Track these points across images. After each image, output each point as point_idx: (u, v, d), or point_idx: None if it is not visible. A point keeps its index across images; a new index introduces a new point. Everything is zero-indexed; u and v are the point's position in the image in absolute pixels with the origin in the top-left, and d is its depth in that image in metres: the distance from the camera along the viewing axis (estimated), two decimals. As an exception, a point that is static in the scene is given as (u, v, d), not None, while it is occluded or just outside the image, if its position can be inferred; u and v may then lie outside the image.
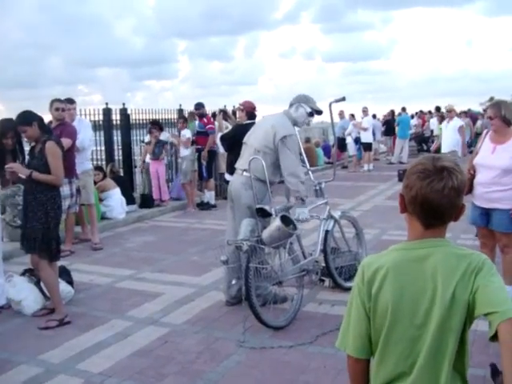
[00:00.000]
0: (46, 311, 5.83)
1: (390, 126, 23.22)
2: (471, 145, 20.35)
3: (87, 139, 8.81)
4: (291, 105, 5.96)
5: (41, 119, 5.70)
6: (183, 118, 12.79)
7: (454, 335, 1.83)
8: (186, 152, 12.21)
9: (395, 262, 1.93)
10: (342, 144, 20.12)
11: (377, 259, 1.99)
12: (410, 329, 1.88)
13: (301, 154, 6.20)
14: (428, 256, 1.89)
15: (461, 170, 1.88)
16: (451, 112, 13.31)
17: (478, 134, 18.54)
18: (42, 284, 5.88)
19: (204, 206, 12.43)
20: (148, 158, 12.56)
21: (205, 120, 12.60)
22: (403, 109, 23.20)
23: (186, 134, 12.29)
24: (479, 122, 24.18)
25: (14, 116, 5.91)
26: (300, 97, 5.98)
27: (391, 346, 1.91)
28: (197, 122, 12.87)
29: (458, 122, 12.91)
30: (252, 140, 5.86)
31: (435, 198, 1.84)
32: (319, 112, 6.10)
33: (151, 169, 12.35)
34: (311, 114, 6.02)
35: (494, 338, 1.73)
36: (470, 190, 5.52)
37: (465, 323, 1.85)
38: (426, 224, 1.91)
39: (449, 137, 12.68)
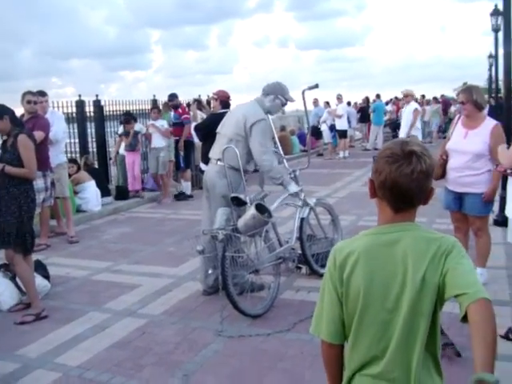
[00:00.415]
0: (23, 306, 5.78)
1: (364, 112, 23.35)
2: (445, 130, 20.53)
3: (60, 132, 8.73)
4: (267, 94, 5.92)
5: (12, 112, 5.65)
6: (157, 108, 12.70)
7: (425, 318, 1.85)
8: (163, 142, 12.13)
9: (366, 247, 1.94)
10: (317, 132, 20.16)
11: (348, 244, 2.00)
12: (381, 313, 1.90)
13: (275, 143, 6.21)
14: (398, 240, 1.90)
15: (429, 154, 1.90)
16: (407, 97, 13.43)
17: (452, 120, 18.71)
18: (17, 279, 5.83)
19: (181, 196, 12.40)
20: (122, 150, 12.47)
21: (179, 110, 12.54)
22: (378, 96, 23.30)
23: (164, 124, 12.21)
24: (453, 108, 24.42)
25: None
26: (276, 88, 5.92)
27: (364, 330, 1.93)
28: (172, 113, 12.81)
29: (413, 105, 13.04)
30: (225, 129, 5.86)
31: (404, 182, 1.85)
32: (292, 101, 6.13)
33: (128, 160, 12.26)
34: (285, 104, 6.05)
35: (465, 319, 1.75)
36: (443, 174, 5.57)
37: (435, 306, 1.87)
38: (395, 208, 1.92)
39: (406, 121, 12.85)
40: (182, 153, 12.58)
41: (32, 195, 5.61)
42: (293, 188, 5.95)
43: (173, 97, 12.83)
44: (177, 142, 12.49)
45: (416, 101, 16.31)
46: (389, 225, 1.94)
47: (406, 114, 12.89)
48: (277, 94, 5.90)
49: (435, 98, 26.23)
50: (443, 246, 1.87)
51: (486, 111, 5.72)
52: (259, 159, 5.66)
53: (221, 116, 6.41)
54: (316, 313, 2.06)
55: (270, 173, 5.73)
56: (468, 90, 5.51)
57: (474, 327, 1.70)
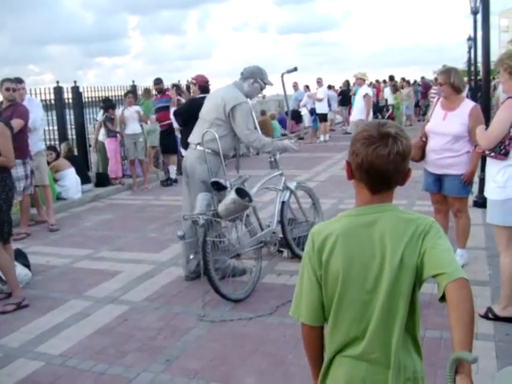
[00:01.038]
0: (3, 295, 5.74)
1: (345, 96, 23.34)
2: (425, 113, 20.61)
3: (38, 119, 8.65)
4: (245, 78, 5.91)
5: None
6: (133, 93, 12.56)
7: (404, 299, 1.86)
8: (140, 128, 12.03)
9: (344, 229, 1.94)
10: (297, 115, 20.15)
11: (326, 226, 2.00)
12: (361, 294, 1.90)
13: (255, 127, 6.20)
14: (376, 221, 1.90)
15: (405, 135, 1.89)
16: (359, 80, 13.29)
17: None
18: (-3, 268, 5.78)
19: (168, 181, 12.33)
20: (101, 136, 12.31)
21: (169, 94, 12.44)
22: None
23: (141, 110, 12.10)
24: (433, 90, 24.49)
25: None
26: (255, 71, 5.93)
27: (343, 311, 1.93)
28: (152, 99, 12.70)
29: (364, 90, 12.96)
30: (204, 114, 5.84)
31: (381, 163, 1.84)
32: (271, 85, 6.13)
33: (111, 146, 12.05)
34: (263, 88, 6.06)
35: (443, 299, 1.76)
36: (423, 156, 5.59)
37: (414, 286, 1.88)
38: (372, 190, 1.91)
39: (357, 105, 12.81)
40: (179, 135, 12.46)
41: (10, 184, 5.55)
42: (290, 144, 6.21)
43: (159, 81, 12.77)
44: (167, 126, 12.30)
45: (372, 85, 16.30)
46: (366, 206, 1.94)
47: (358, 98, 12.83)
48: (255, 77, 5.90)
49: (407, 82, 26.42)
50: (421, 227, 1.87)
51: (465, 93, 5.74)
52: (247, 141, 5.77)
53: (200, 101, 6.38)
54: (295, 296, 2.06)
55: (263, 149, 5.91)
56: (446, 72, 5.53)
57: (452, 307, 1.71)
